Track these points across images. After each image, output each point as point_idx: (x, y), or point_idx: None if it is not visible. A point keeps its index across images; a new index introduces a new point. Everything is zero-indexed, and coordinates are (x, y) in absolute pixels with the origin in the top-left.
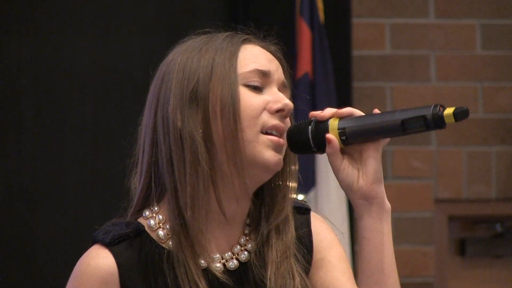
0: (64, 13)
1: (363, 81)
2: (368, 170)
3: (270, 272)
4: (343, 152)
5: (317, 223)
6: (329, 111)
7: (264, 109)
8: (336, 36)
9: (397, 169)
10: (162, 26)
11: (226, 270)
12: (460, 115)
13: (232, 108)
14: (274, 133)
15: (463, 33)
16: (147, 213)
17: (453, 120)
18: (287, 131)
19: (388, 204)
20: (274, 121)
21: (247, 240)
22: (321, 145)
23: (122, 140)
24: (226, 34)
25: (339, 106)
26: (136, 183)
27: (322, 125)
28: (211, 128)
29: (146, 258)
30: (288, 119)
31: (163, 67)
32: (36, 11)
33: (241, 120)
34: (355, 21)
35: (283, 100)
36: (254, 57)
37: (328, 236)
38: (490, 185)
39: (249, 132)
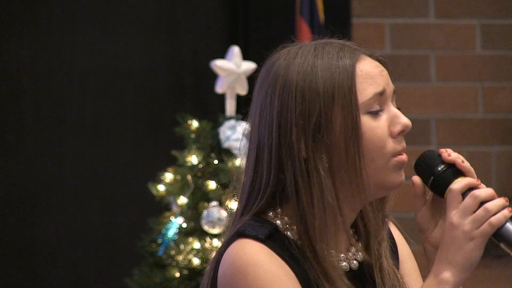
0: (64, 13)
1: None
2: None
3: (376, 274)
4: (433, 197)
5: (396, 233)
6: (456, 157)
7: (389, 134)
8: (336, 36)
9: None
10: (162, 26)
11: (350, 270)
12: None
13: (356, 143)
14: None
15: (463, 33)
16: (271, 214)
17: None
18: (418, 159)
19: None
20: (399, 145)
21: (356, 240)
22: (437, 189)
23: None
24: (336, 48)
25: None
26: (249, 193)
27: (448, 177)
28: (335, 161)
29: (289, 254)
30: None
31: (277, 84)
32: (36, 11)
33: (368, 153)
34: (355, 21)
35: (402, 121)
36: (369, 78)
37: (406, 247)
38: (490, 185)
39: (378, 161)
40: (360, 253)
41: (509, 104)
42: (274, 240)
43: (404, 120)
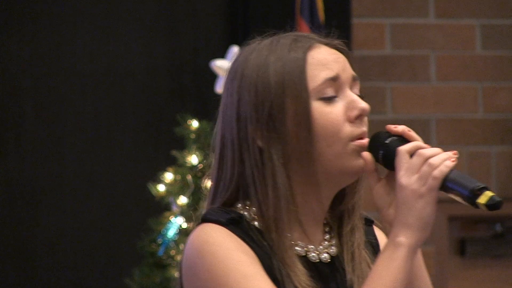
0: (64, 13)
1: (363, 81)
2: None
3: (346, 264)
4: (388, 174)
5: (382, 236)
6: (402, 128)
7: (345, 119)
8: (336, 36)
9: None
10: (162, 26)
11: (320, 262)
12: (491, 207)
13: (308, 130)
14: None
15: (463, 33)
16: (239, 205)
17: (484, 208)
18: (370, 139)
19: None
20: (358, 129)
21: (331, 236)
22: (388, 162)
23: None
24: (290, 39)
25: None
26: (215, 189)
27: (396, 144)
28: (290, 150)
29: (251, 240)
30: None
31: (235, 80)
32: (36, 11)
33: (323, 139)
34: (355, 21)
35: (359, 105)
36: (321, 64)
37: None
38: (490, 185)
39: (335, 147)
40: (333, 247)
41: (509, 104)
42: (237, 226)
43: (362, 104)
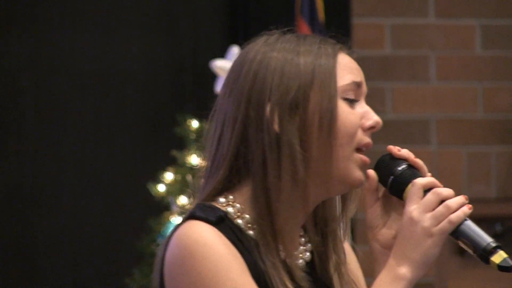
0: (64, 13)
1: None
2: (397, 227)
3: (334, 277)
4: (384, 195)
5: (346, 244)
6: (407, 152)
7: (360, 125)
8: (336, 36)
9: None
10: (162, 26)
11: (306, 262)
12: (503, 269)
13: (330, 123)
14: (364, 149)
15: (463, 33)
16: (222, 200)
17: (495, 267)
18: (377, 162)
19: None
20: (367, 139)
21: (306, 241)
22: (395, 189)
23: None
24: (317, 39)
25: None
26: (209, 169)
27: (408, 176)
28: (308, 138)
29: (238, 241)
30: None
31: (253, 63)
32: (36, 10)
33: (339, 137)
34: (355, 21)
35: (374, 117)
36: (349, 67)
37: (354, 258)
38: (490, 185)
39: (346, 149)
40: (308, 253)
41: (509, 104)
42: (224, 224)
43: (376, 117)
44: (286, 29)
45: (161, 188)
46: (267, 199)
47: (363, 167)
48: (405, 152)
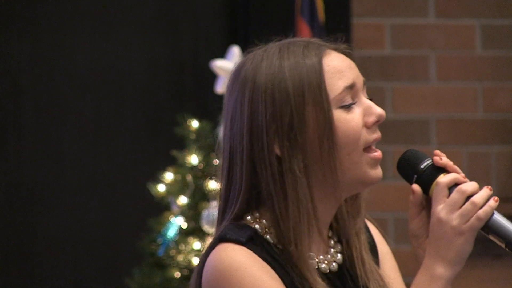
0: (64, 13)
1: None
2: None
3: (358, 268)
4: (428, 205)
5: (375, 231)
6: (446, 161)
7: (363, 125)
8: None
9: None
10: (162, 26)
11: (330, 272)
12: None
13: (330, 138)
14: (373, 145)
15: (463, 33)
16: (249, 218)
17: None
18: (399, 160)
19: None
20: (374, 135)
21: (335, 242)
22: (422, 186)
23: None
24: (300, 46)
25: None
26: (226, 191)
27: (432, 174)
28: (311, 159)
29: (270, 257)
30: None
31: (246, 90)
32: (36, 11)
33: (344, 147)
34: (355, 21)
35: (376, 111)
36: (338, 72)
37: (385, 246)
38: (490, 185)
39: (354, 155)
40: (339, 255)
41: (509, 104)
42: (255, 243)
43: (378, 110)
44: (271, 38)
45: (161, 188)
46: (278, 227)
47: (377, 164)
48: (445, 161)
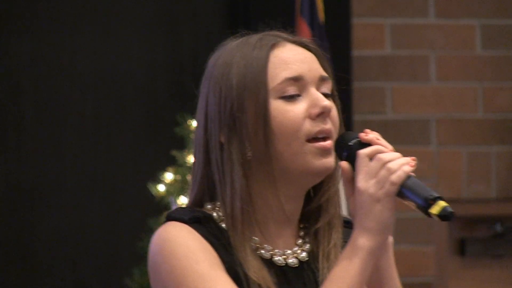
0: (64, 13)
1: (363, 81)
2: None
3: (321, 263)
4: None
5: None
6: (372, 137)
7: (305, 116)
8: (336, 36)
9: None
10: (162, 26)
11: (286, 265)
12: (443, 218)
13: (265, 127)
14: (320, 136)
15: (463, 33)
16: (209, 206)
17: (437, 218)
18: (337, 139)
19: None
20: (317, 127)
21: (304, 241)
22: (352, 163)
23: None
24: (256, 38)
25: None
26: (194, 179)
27: (359, 147)
28: (249, 149)
29: (217, 240)
30: (334, 114)
31: (206, 81)
32: (36, 10)
33: (280, 137)
34: (355, 21)
35: (320, 103)
36: (284, 63)
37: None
38: (490, 185)
39: (294, 145)
40: (304, 252)
41: (509, 104)
42: (203, 225)
43: (324, 102)
44: (242, 32)
45: (161, 188)
46: (223, 211)
47: (324, 153)
48: (371, 136)
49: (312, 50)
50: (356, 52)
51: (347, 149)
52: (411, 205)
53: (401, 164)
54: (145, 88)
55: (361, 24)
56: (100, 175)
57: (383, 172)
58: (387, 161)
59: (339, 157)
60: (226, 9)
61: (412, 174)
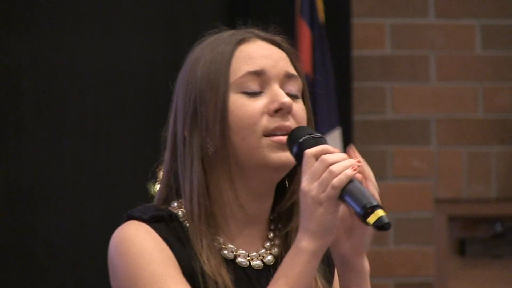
0: (64, 13)
1: (363, 81)
2: (354, 240)
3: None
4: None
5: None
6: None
7: (264, 112)
8: (336, 36)
9: (397, 169)
10: (162, 26)
11: (250, 267)
12: (379, 228)
13: (222, 121)
14: (278, 133)
15: (463, 33)
16: (175, 204)
17: (373, 228)
18: (289, 133)
19: (366, 267)
20: (275, 123)
21: (272, 244)
22: (300, 160)
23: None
24: (228, 34)
25: (339, 106)
26: (163, 177)
27: (309, 144)
28: (209, 141)
29: (177, 239)
30: (297, 111)
31: (178, 77)
32: (36, 10)
33: (237, 131)
34: (355, 21)
35: (280, 99)
36: (248, 58)
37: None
38: (490, 185)
39: (250, 139)
40: (270, 256)
41: (509, 104)
42: (165, 224)
43: (284, 99)
44: (217, 28)
45: None
46: (184, 205)
47: (280, 147)
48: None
49: (283, 49)
50: (356, 52)
51: (297, 145)
52: (352, 211)
53: (344, 167)
54: (145, 88)
55: (361, 24)
56: (100, 175)
57: (325, 175)
58: (330, 163)
59: (290, 152)
60: (226, 9)
61: (358, 177)
